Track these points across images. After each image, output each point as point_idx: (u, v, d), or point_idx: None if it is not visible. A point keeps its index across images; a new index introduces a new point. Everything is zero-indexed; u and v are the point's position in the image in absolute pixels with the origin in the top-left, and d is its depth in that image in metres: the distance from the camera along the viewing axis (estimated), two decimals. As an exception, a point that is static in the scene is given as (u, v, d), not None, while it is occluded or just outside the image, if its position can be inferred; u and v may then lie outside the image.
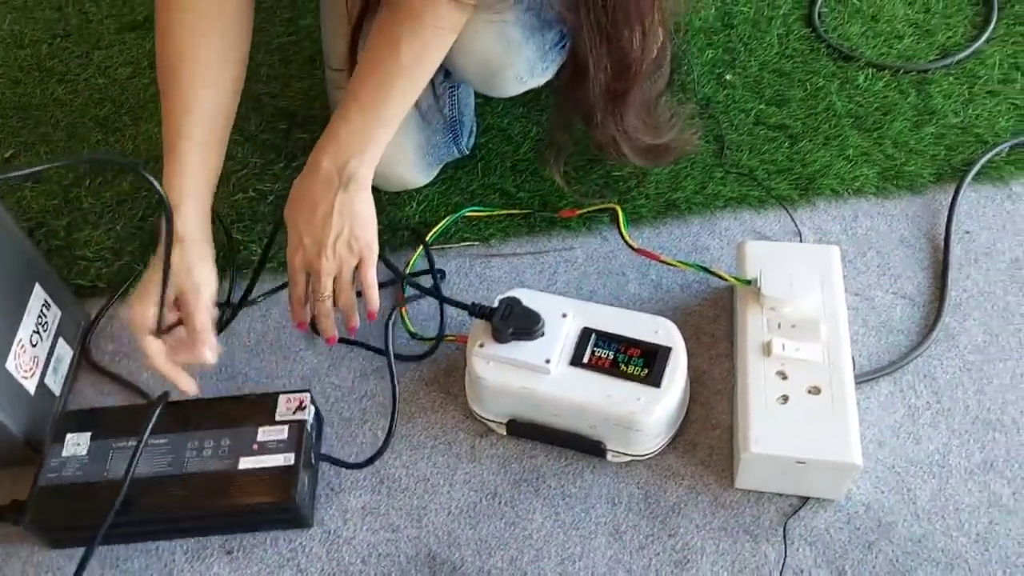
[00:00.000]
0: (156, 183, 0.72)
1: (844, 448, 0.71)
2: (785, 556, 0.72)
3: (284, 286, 0.95)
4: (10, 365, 0.78)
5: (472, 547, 0.75)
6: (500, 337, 0.79)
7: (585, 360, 0.78)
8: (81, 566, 0.72)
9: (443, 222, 0.98)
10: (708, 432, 0.81)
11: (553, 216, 0.99)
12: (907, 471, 0.77)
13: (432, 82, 0.95)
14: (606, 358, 0.78)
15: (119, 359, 0.91)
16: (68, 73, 1.21)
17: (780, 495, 0.76)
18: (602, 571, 0.73)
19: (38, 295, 0.84)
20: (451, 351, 0.89)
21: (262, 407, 0.78)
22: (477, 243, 0.98)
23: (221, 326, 0.92)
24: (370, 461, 0.79)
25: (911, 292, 0.90)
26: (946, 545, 0.72)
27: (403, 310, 0.92)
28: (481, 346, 0.79)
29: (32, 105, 1.17)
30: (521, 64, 0.87)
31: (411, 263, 0.96)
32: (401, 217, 1.00)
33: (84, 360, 0.90)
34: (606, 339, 0.79)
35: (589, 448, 0.79)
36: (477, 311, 0.81)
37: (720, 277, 0.84)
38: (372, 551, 0.75)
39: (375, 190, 1.01)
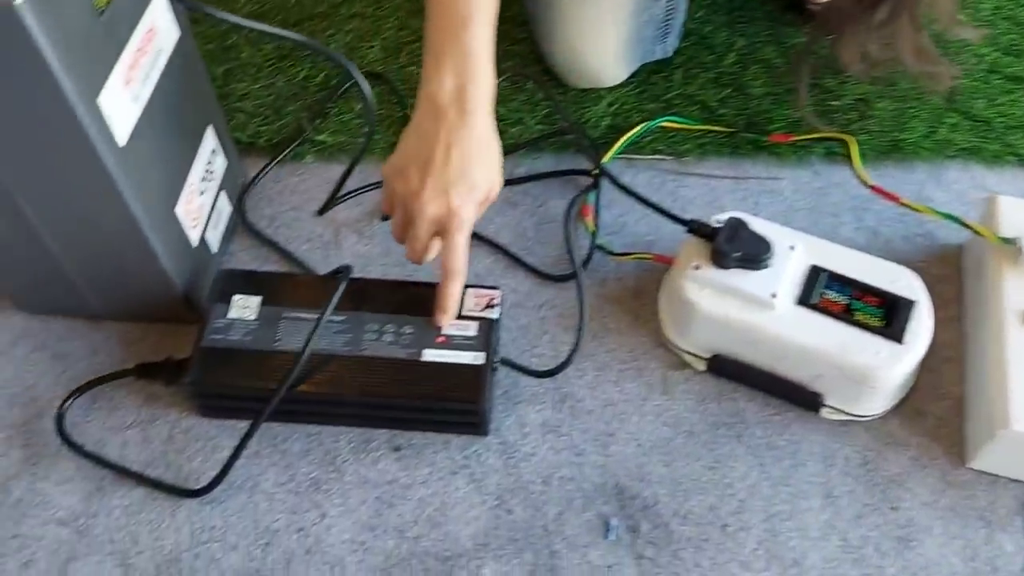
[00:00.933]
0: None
1: (1122, 443, 0.62)
2: (1027, 552, 0.64)
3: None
4: (179, 211, 0.71)
5: (666, 486, 0.67)
6: (722, 261, 0.70)
7: (814, 301, 0.69)
8: (247, 436, 0.66)
9: (637, 128, 0.88)
10: (936, 402, 0.72)
11: (761, 139, 0.89)
12: None
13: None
14: (838, 302, 0.69)
15: (277, 226, 0.83)
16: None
17: (1017, 482, 0.67)
18: (815, 535, 0.65)
19: (209, 139, 0.76)
20: (638, 270, 0.80)
21: (448, 298, 0.71)
22: (670, 158, 0.89)
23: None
24: (557, 371, 0.71)
25: None
26: None
27: (587, 217, 0.83)
28: (696, 268, 0.71)
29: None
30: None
31: (609, 157, 0.86)
32: (589, 116, 0.90)
33: (241, 221, 0.83)
34: (839, 281, 0.70)
35: (802, 400, 0.70)
36: (698, 229, 0.72)
37: (975, 231, 0.74)
38: (554, 472, 0.68)
39: (563, 84, 0.91)
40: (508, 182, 0.86)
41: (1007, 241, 0.72)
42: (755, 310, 0.69)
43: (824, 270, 0.71)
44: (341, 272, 0.70)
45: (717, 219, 0.73)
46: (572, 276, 0.79)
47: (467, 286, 0.71)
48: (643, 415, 0.71)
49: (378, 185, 0.86)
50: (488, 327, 0.69)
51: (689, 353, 0.73)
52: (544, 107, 0.91)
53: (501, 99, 0.91)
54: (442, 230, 0.66)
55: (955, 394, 0.72)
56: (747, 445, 0.70)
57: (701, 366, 0.73)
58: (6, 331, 0.75)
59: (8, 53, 0.51)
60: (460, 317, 0.70)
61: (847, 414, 0.70)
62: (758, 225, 0.72)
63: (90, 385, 0.70)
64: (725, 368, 0.72)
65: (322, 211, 0.83)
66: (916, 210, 0.76)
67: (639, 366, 0.74)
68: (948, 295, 0.78)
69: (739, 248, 0.70)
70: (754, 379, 0.72)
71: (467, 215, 0.65)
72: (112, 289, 0.71)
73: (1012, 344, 0.67)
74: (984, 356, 0.69)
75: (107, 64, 0.58)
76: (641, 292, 0.79)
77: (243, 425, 0.68)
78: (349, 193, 0.85)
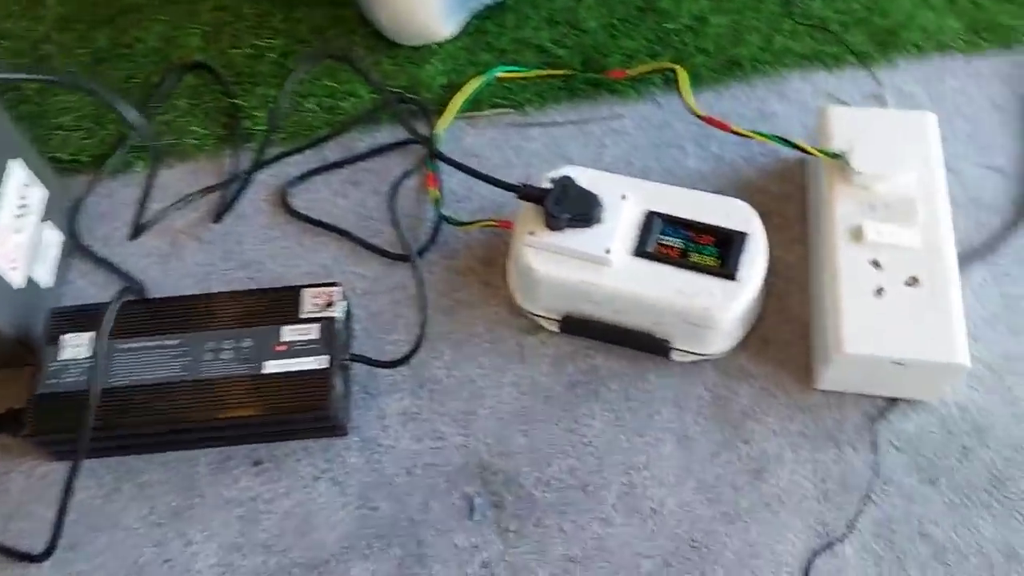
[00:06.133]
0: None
1: (948, 347, 0.64)
2: (877, 463, 0.66)
3: (292, 153, 0.84)
4: (-11, 258, 0.68)
5: (527, 456, 0.68)
6: (554, 224, 0.69)
7: (650, 249, 0.69)
8: (67, 488, 0.65)
9: (471, 85, 0.86)
10: (782, 327, 0.73)
11: (599, 77, 0.86)
12: (1005, 368, 0.70)
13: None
14: (674, 247, 0.69)
15: (113, 244, 0.80)
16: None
17: (865, 396, 0.69)
18: (671, 481, 0.66)
19: (16, 174, 0.72)
20: (487, 237, 0.79)
21: (285, 303, 0.69)
22: (511, 110, 0.86)
23: (225, 208, 0.81)
24: (405, 359, 0.70)
25: (1002, 164, 0.80)
26: (1052, 450, 0.66)
27: (431, 186, 0.81)
28: (532, 234, 0.70)
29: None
30: None
31: (440, 130, 0.84)
32: (422, 77, 0.87)
33: (74, 247, 0.79)
34: (673, 224, 0.70)
35: (653, 347, 0.71)
36: (527, 193, 0.70)
37: (804, 150, 0.74)
38: (416, 460, 0.68)
39: (392, 44, 0.88)
40: (348, 161, 0.84)
41: (835, 156, 0.72)
42: (593, 268, 0.68)
43: (659, 215, 0.70)
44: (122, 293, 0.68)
45: (551, 177, 0.72)
46: (420, 254, 0.78)
47: (304, 286, 0.70)
48: (502, 387, 0.71)
49: (200, 191, 0.82)
50: (329, 327, 0.68)
51: (541, 316, 0.73)
52: (377, 74, 0.88)
53: (328, 72, 0.88)
54: None
55: (801, 317, 0.73)
56: (604, 401, 0.70)
57: (554, 327, 0.73)
58: None
59: None
60: (300, 320, 0.69)
61: (696, 354, 0.70)
62: (589, 178, 0.71)
63: (-67, 449, 0.69)
64: (576, 327, 0.72)
65: (134, 234, 0.81)
66: (746, 136, 0.75)
67: (495, 337, 0.74)
68: (792, 213, 0.78)
69: (568, 208, 0.69)
70: (604, 334, 0.72)
71: None
72: (-64, 348, 0.69)
73: (842, 262, 0.68)
74: (820, 276, 0.70)
75: None
76: (491, 260, 0.78)
77: (99, 464, 0.68)
78: (180, 200, 0.82)
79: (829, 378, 0.68)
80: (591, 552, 0.64)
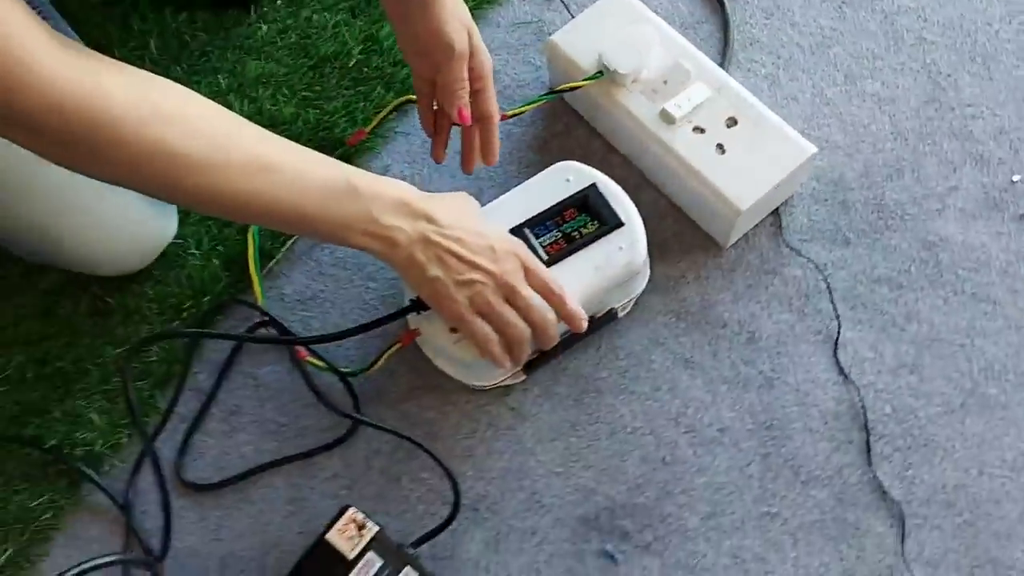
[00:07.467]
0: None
1: (798, 145, 0.74)
2: (807, 263, 0.76)
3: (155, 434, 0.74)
4: None
5: (624, 486, 0.71)
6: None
7: (545, 258, 0.70)
8: None
9: (250, 247, 0.79)
10: (663, 223, 0.79)
11: (345, 150, 0.83)
12: (811, 123, 0.81)
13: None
14: (557, 240, 0.71)
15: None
16: None
17: (757, 224, 0.78)
18: (708, 400, 0.73)
19: None
20: (394, 364, 0.75)
21: (325, 565, 0.64)
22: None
23: (164, 544, 0.71)
24: (455, 509, 0.69)
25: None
26: (885, 145, 0.80)
27: (305, 357, 0.75)
28: (454, 331, 0.68)
29: None
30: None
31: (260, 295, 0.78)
32: (192, 280, 0.79)
33: None
34: (539, 223, 0.72)
35: (603, 323, 0.74)
36: (419, 309, 0.69)
37: (575, 88, 0.77)
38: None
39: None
40: (213, 393, 0.76)
41: (599, 75, 0.77)
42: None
43: (522, 225, 0.72)
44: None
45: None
46: (353, 431, 0.74)
47: (322, 533, 0.65)
48: (536, 454, 0.72)
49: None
50: (381, 542, 0.65)
51: (501, 381, 0.73)
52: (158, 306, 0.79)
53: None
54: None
55: (665, 209, 0.79)
56: (611, 392, 0.74)
57: (522, 376, 0.74)
58: None
59: None
60: (353, 562, 0.64)
61: (632, 298, 0.75)
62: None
63: None
64: (539, 361, 0.73)
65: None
66: (521, 112, 0.78)
67: (488, 422, 0.73)
68: (584, 138, 0.83)
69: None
70: (564, 345, 0.74)
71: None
72: None
73: (679, 147, 0.74)
74: (668, 170, 0.76)
75: None
76: (419, 369, 0.75)
77: None
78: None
79: (735, 234, 0.76)
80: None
